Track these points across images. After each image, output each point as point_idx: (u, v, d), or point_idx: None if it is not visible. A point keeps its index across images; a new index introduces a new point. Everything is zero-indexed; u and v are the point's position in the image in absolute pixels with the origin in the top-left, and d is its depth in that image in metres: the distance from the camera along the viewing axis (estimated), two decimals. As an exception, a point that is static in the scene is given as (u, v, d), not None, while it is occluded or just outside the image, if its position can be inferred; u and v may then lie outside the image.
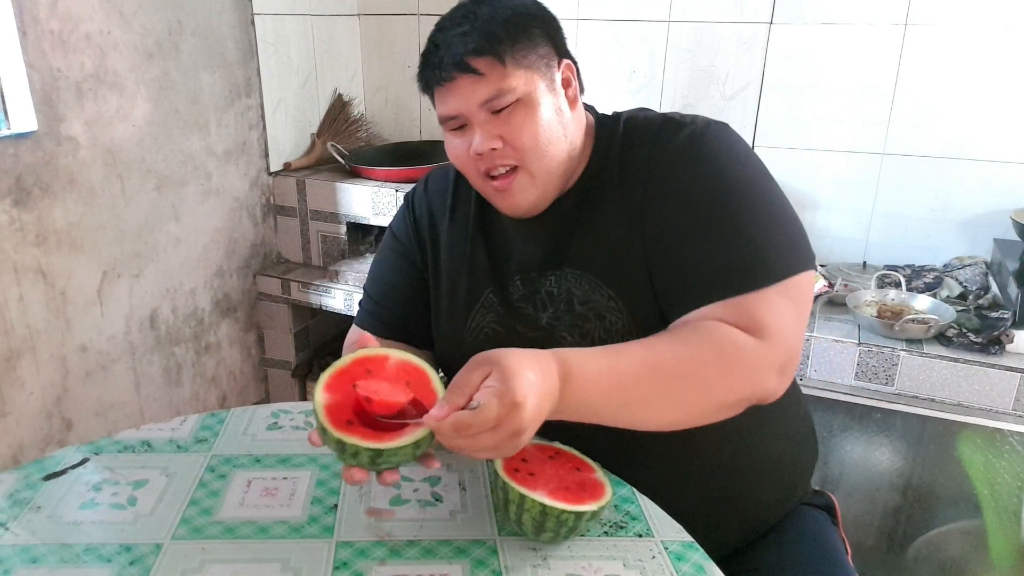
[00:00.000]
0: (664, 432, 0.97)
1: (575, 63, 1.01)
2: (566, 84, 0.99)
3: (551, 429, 0.98)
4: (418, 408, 0.80)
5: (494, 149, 0.94)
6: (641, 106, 1.07)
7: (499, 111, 0.93)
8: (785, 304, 0.87)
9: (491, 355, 0.74)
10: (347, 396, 0.80)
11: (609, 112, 1.07)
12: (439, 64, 0.93)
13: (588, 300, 0.98)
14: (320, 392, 0.79)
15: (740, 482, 1.02)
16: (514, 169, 0.95)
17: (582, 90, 1.03)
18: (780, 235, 0.90)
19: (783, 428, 1.06)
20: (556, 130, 0.95)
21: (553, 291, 1.01)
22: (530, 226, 1.02)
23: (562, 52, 0.99)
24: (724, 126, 0.97)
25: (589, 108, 1.07)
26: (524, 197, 0.97)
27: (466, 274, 1.06)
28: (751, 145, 2.03)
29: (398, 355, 0.85)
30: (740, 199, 0.91)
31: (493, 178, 0.97)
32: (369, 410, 0.78)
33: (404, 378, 0.82)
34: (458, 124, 0.97)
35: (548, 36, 0.97)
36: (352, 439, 0.76)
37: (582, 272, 0.99)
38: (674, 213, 0.93)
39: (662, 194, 0.94)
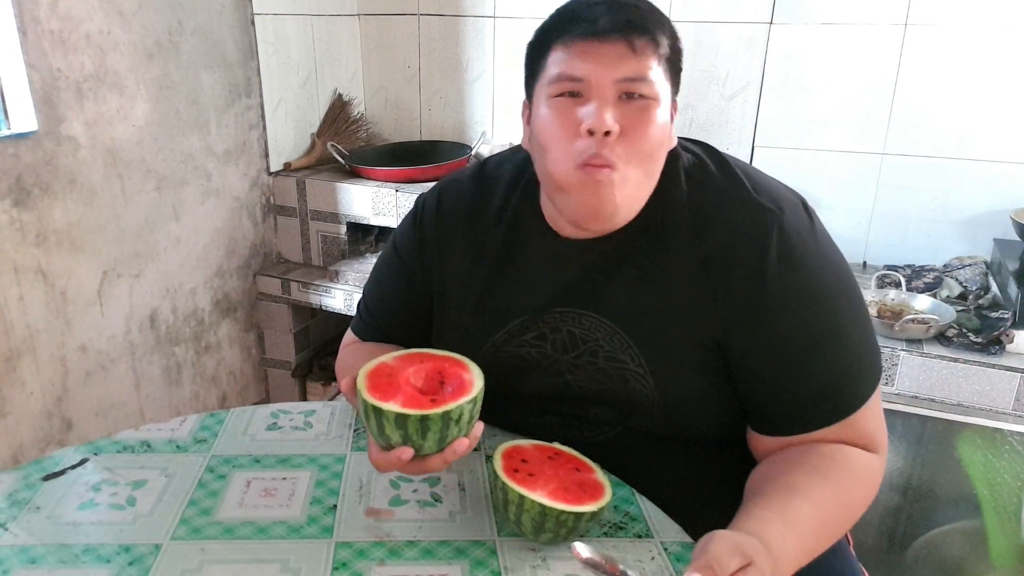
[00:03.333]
0: (679, 454, 0.97)
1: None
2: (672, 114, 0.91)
3: (559, 422, 0.98)
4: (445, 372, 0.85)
5: (607, 133, 0.82)
6: (703, 145, 0.98)
7: (629, 98, 0.84)
8: (878, 404, 0.91)
9: (748, 548, 0.71)
10: (401, 391, 0.80)
11: None
12: (592, 18, 0.83)
13: (615, 358, 0.93)
14: (384, 404, 0.78)
15: None
16: (613, 165, 0.84)
17: None
18: (872, 338, 0.91)
19: None
20: (660, 151, 0.88)
21: (575, 332, 0.94)
22: (567, 256, 0.94)
23: (678, 80, 0.91)
24: (802, 215, 0.91)
25: None
26: (611, 198, 0.85)
27: (481, 309, 1.00)
28: (751, 146, 2.04)
29: (391, 355, 0.86)
30: (843, 313, 0.89)
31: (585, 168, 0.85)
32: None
33: (414, 364, 0.85)
34: (572, 89, 0.85)
35: (680, 69, 0.90)
36: (453, 404, 0.78)
37: (613, 326, 0.93)
38: (779, 329, 0.87)
39: (761, 306, 0.87)
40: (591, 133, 0.83)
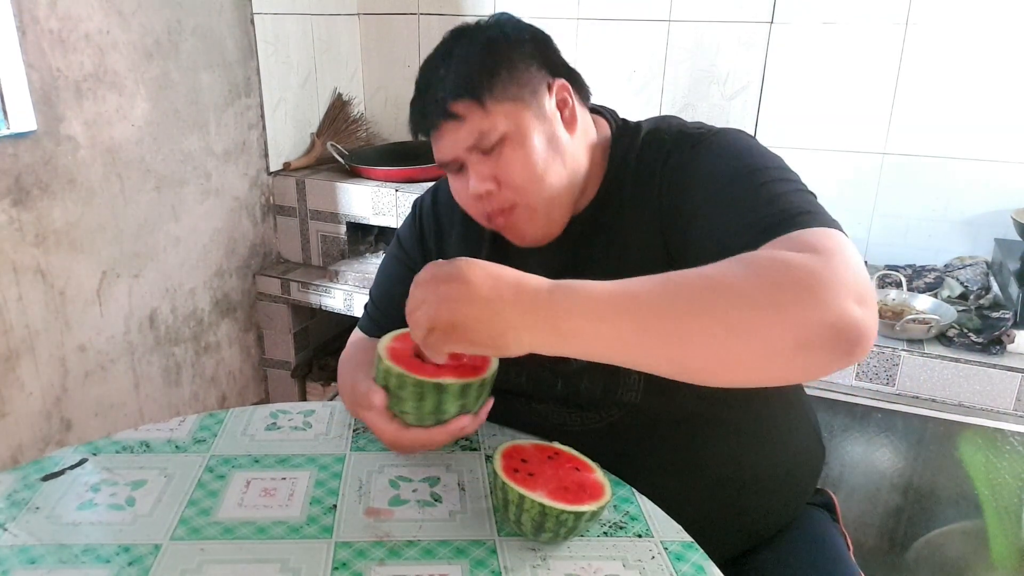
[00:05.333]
0: (670, 443, 0.97)
1: (574, 76, 0.97)
2: (562, 105, 0.95)
3: (553, 431, 0.98)
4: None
5: (490, 192, 0.92)
6: (668, 114, 1.03)
7: (489, 151, 0.91)
8: (841, 239, 0.71)
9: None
10: (440, 365, 0.83)
11: (632, 118, 1.03)
12: (423, 111, 0.93)
13: None
14: (443, 380, 0.81)
15: (745, 496, 1.00)
16: (508, 209, 0.93)
17: (587, 98, 0.99)
18: (817, 203, 0.80)
19: (790, 441, 1.04)
20: (551, 159, 0.92)
21: None
22: (544, 249, 0.99)
23: (555, 71, 0.95)
24: (739, 130, 0.94)
25: (610, 115, 1.03)
26: (529, 229, 0.95)
27: None
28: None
29: (399, 332, 0.90)
30: (768, 175, 0.83)
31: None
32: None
33: None
34: (456, 167, 0.95)
35: (534, 58, 0.93)
36: (492, 368, 0.83)
37: None
38: (698, 198, 0.86)
39: (680, 191, 0.89)
40: (480, 198, 0.93)
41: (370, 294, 1.18)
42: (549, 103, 0.93)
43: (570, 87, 0.96)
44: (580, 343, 0.67)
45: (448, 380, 0.80)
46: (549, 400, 1.01)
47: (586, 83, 0.99)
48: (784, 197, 0.79)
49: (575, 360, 0.97)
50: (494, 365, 0.84)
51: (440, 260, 0.74)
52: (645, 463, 0.97)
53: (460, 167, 0.94)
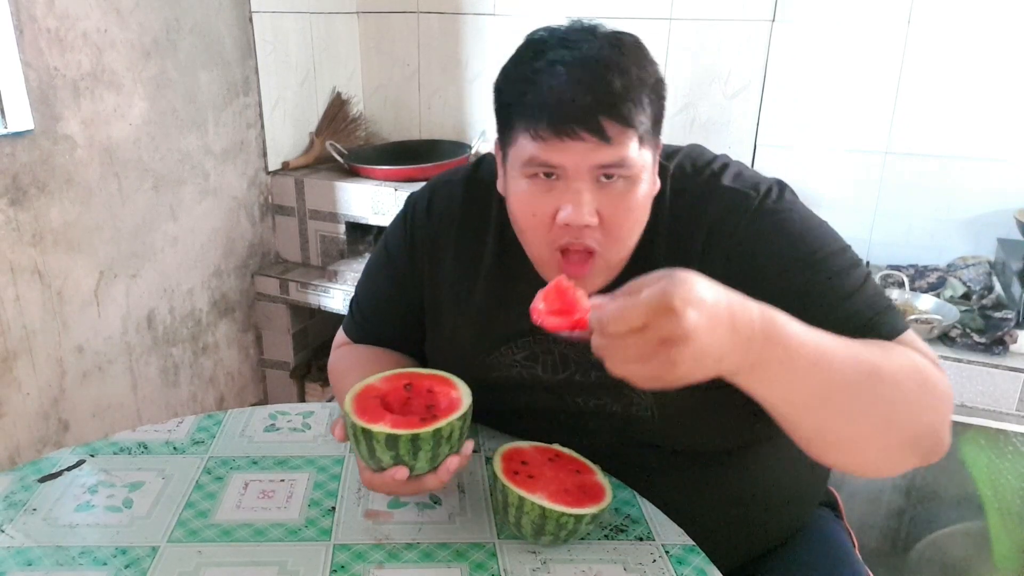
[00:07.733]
0: (678, 461, 0.96)
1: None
2: (654, 163, 0.86)
3: (555, 434, 0.97)
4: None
5: (588, 226, 0.80)
6: (691, 144, 0.97)
7: (608, 179, 0.80)
8: (920, 342, 0.83)
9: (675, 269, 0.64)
10: (389, 413, 0.80)
11: None
12: (557, 106, 0.77)
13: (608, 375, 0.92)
14: (373, 425, 0.77)
15: (753, 511, 0.99)
16: (591, 253, 0.83)
17: None
18: (880, 294, 0.86)
19: (799, 458, 1.02)
20: (642, 214, 0.85)
21: (568, 354, 0.93)
22: None
23: (659, 128, 0.85)
24: (777, 195, 0.89)
25: None
26: (592, 283, 0.85)
27: (472, 323, 0.98)
28: (753, 145, 2.03)
29: (377, 377, 0.86)
30: (833, 265, 0.85)
31: (564, 252, 0.84)
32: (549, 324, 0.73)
33: (400, 383, 0.85)
34: (548, 174, 0.81)
35: (663, 106, 0.85)
36: (444, 421, 0.77)
37: None
38: (778, 286, 0.83)
39: (744, 283, 0.76)
40: (568, 226, 0.81)
41: (356, 293, 1.12)
42: (655, 157, 0.86)
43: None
44: (761, 383, 0.69)
45: (376, 427, 0.77)
46: (553, 424, 0.98)
47: None
48: (862, 291, 0.84)
49: (581, 401, 0.95)
50: (440, 424, 0.77)
51: (651, 297, 0.61)
52: (647, 478, 0.95)
53: (553, 176, 0.81)
